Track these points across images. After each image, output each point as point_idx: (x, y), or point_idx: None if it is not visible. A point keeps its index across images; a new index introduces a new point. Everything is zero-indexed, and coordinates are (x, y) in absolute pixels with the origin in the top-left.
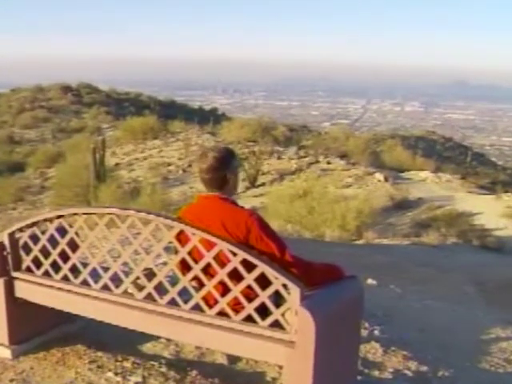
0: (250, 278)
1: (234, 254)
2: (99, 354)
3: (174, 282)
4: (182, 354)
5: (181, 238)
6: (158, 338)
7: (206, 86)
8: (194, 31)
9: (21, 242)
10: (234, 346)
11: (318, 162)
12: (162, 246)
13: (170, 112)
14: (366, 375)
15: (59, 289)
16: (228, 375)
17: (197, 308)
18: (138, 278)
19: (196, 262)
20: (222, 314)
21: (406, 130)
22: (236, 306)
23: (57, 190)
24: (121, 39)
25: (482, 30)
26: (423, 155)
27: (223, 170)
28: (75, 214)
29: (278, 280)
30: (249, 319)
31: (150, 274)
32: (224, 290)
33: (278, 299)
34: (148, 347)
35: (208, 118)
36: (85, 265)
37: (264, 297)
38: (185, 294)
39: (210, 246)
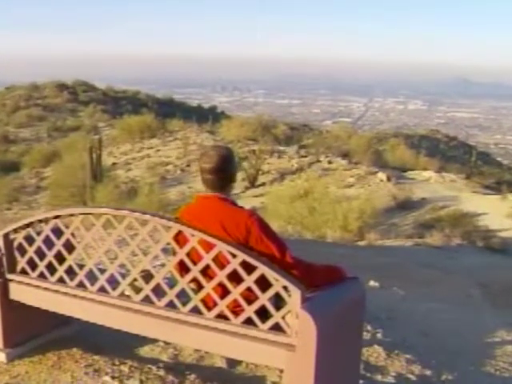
0: (249, 280)
1: (234, 256)
2: (96, 357)
3: (172, 284)
4: (180, 357)
5: (179, 239)
6: (156, 341)
7: (204, 84)
8: (193, 28)
9: (15, 244)
10: (233, 350)
11: (319, 161)
12: (160, 247)
13: (168, 110)
14: (369, 379)
15: (55, 291)
16: (227, 379)
17: (195, 310)
18: (135, 279)
19: (195, 263)
20: (221, 316)
21: (410, 129)
22: (235, 309)
23: (52, 190)
24: (118, 36)
25: (484, 27)
26: (427, 154)
27: (229, 169)
28: (71, 214)
29: (278, 282)
30: (249, 322)
31: (147, 276)
32: (223, 292)
33: (278, 301)
34: (145, 350)
35: (207, 116)
36: (81, 266)
37: (264, 299)
38: (183, 297)
39: (209, 247)
